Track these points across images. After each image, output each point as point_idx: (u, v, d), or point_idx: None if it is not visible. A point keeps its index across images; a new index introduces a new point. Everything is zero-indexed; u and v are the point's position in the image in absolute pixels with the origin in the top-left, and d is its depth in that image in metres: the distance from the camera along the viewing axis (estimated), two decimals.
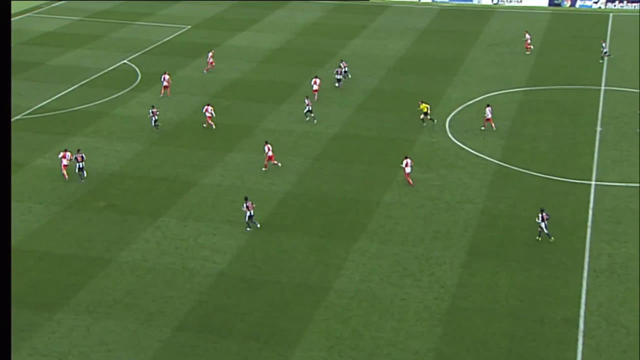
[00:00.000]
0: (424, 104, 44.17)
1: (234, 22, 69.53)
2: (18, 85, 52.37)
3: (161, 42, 63.57)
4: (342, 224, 34.66)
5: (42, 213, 35.61)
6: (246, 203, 33.89)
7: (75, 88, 52.27)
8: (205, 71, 55.19)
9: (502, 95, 50.50)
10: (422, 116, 44.25)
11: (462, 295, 29.51)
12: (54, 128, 45.08)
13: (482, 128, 44.25)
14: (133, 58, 59.10)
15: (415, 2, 77.44)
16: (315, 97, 49.07)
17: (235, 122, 45.94)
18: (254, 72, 55.57)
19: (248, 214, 33.78)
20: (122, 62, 58.05)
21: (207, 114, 44.85)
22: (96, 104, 49.15)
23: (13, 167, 39.90)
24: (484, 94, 50.43)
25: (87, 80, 53.88)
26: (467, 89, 51.36)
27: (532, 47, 60.21)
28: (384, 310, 28.77)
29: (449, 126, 45.04)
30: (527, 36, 60.28)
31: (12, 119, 46.33)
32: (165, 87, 50.10)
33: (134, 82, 53.58)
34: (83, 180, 38.49)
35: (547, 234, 32.75)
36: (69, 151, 39.77)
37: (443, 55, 59.07)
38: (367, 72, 55.42)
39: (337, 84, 51.55)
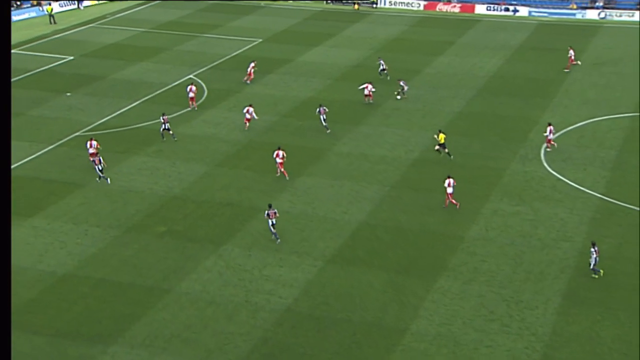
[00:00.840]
0: (441, 134, 43.58)
1: (308, 36, 70.53)
2: (79, 100, 54.37)
3: (229, 56, 64.91)
4: (421, 259, 34.48)
5: (99, 237, 36.73)
6: (268, 211, 35.45)
7: (138, 104, 53.93)
8: (247, 81, 57.17)
9: (608, 120, 49.44)
10: (437, 147, 43.57)
11: (557, 346, 28.83)
12: (114, 146, 46.55)
13: (547, 149, 43.76)
14: (199, 73, 60.55)
15: (509, 16, 76.87)
16: (371, 100, 52.33)
17: (307, 144, 46.40)
18: (328, 91, 56.13)
19: (270, 222, 35.37)
20: (188, 76, 59.56)
21: (247, 115, 47.41)
22: (159, 122, 50.56)
23: (71, 187, 41.41)
24: (586, 119, 49.49)
25: (151, 95, 55.50)
26: (567, 114, 50.52)
27: (578, 63, 59.07)
28: (466, 357, 28.38)
29: (545, 154, 44.37)
30: (571, 52, 59.14)
31: (72, 136, 48.13)
32: (192, 98, 51.91)
33: (200, 98, 54.82)
34: (105, 181, 41.79)
35: (595, 270, 32.23)
36: (96, 140, 44.20)
37: (540, 75, 58.35)
38: (453, 92, 55.22)
39: (398, 96, 53.44)
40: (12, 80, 58.17)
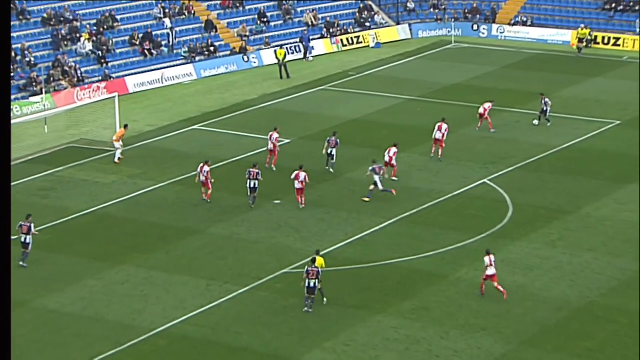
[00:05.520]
0: (319, 258, 46.14)
1: None
2: (291, 214, 55.38)
3: (558, 148, 64.82)
4: None
5: None
6: (309, 267, 44.60)
7: (387, 226, 54.24)
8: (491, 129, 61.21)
9: None
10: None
11: None
12: (345, 296, 46.73)
13: None
14: (498, 176, 60.51)
15: None
16: (433, 152, 62.61)
17: None
18: None
19: (306, 283, 44.61)
20: (481, 181, 59.65)
21: (270, 145, 60.72)
22: (420, 257, 50.62)
23: None
24: None
25: (415, 210, 55.86)
26: None
27: None
28: None
29: None
30: None
31: (276, 274, 48.99)
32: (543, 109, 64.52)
33: (502, 219, 54.63)
34: (24, 263, 49.16)
35: None
36: (208, 164, 56.72)
37: None
38: None
39: (535, 121, 66.94)
40: (181, 177, 60.93)
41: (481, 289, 46.21)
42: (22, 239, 49.08)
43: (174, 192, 58.95)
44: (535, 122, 68.43)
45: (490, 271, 45.95)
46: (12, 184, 59.21)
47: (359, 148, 64.83)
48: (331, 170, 60.82)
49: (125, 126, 63.97)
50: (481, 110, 66.94)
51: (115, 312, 45.66)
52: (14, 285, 46.30)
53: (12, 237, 47.05)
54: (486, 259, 46.11)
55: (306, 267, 44.90)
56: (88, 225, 54.72)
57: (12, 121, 64.05)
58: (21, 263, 49.08)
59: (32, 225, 49.47)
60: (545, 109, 67.99)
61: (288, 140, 66.60)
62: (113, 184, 60.13)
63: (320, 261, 45.81)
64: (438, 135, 62.32)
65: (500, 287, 45.66)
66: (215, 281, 48.24)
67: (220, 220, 54.93)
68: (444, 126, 62.20)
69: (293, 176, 55.50)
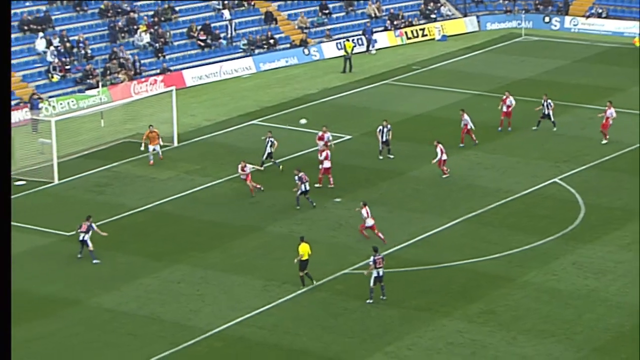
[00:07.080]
0: (304, 245, 47.05)
1: None
2: (340, 211, 55.46)
3: (633, 147, 64.25)
4: None
5: None
6: (375, 256, 45.78)
7: (457, 223, 54.18)
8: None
9: None
10: None
11: None
12: (411, 299, 46.87)
13: None
14: (570, 175, 60.26)
15: None
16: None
17: None
18: None
19: (375, 273, 45.61)
20: (552, 180, 59.38)
21: (242, 174, 58.01)
22: (486, 259, 50.40)
23: None
24: None
25: (483, 210, 55.72)
26: None
27: None
28: None
29: None
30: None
31: (334, 276, 49.05)
32: (506, 113, 64.98)
33: (573, 221, 54.32)
34: (94, 260, 50.13)
35: None
36: (246, 162, 57.61)
37: None
38: None
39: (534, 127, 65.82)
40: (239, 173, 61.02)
41: (362, 234, 51.62)
42: (80, 237, 50.01)
43: (232, 189, 59.08)
44: (534, 127, 67.24)
45: (369, 222, 51.25)
46: (69, 179, 60.08)
47: (423, 145, 64.43)
48: (389, 156, 62.99)
49: (150, 127, 62.84)
50: (505, 109, 67.03)
51: (170, 311, 45.92)
52: (71, 283, 47.79)
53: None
54: (363, 211, 51.29)
55: (372, 257, 45.60)
56: (144, 223, 55.06)
57: (69, 115, 64.85)
58: (80, 255, 50.44)
59: (93, 225, 50.44)
60: (547, 112, 66.60)
61: (349, 137, 66.58)
62: (169, 180, 60.38)
63: (305, 248, 46.85)
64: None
65: (380, 234, 51.09)
66: (273, 281, 48.28)
67: (279, 218, 54.98)
68: (465, 116, 64.71)
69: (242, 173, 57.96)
